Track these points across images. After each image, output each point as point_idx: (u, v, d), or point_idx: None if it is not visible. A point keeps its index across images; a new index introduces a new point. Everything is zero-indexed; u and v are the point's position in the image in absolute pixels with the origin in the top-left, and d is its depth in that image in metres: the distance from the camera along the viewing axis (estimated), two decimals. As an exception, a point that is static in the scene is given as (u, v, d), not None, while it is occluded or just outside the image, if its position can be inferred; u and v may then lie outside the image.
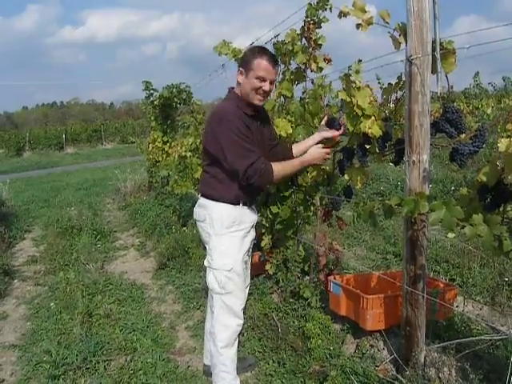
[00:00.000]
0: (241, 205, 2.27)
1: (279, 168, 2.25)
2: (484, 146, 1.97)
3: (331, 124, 2.53)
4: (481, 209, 1.70)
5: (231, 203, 2.25)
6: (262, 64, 2.18)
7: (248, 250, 2.39)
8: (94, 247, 5.57)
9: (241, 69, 2.26)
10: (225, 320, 2.30)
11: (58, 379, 2.65)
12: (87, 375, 2.68)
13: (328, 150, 2.48)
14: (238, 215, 2.27)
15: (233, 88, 2.35)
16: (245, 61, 2.26)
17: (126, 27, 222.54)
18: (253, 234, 2.41)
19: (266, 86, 2.21)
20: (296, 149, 2.54)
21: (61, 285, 4.17)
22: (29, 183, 13.30)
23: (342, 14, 2.17)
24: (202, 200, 2.34)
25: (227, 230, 2.25)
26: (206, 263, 2.36)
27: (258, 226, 3.53)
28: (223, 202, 2.25)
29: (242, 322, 2.38)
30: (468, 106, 11.62)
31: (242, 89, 2.26)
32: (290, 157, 2.50)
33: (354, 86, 2.34)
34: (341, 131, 2.50)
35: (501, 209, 1.71)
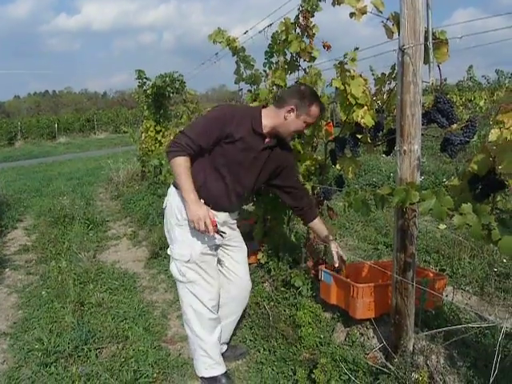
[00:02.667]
0: (201, 201, 2.15)
1: (180, 167, 2.10)
2: (475, 137, 1.98)
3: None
4: (470, 199, 1.72)
5: None
6: (316, 113, 2.24)
7: (213, 246, 2.30)
8: (86, 236, 5.55)
9: (293, 107, 2.20)
10: (195, 306, 2.29)
11: (50, 367, 2.65)
12: (79, 363, 2.69)
13: (209, 226, 2.09)
14: None
15: (264, 107, 2.32)
16: (303, 102, 2.20)
17: (122, 16, 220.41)
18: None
19: (306, 130, 2.31)
20: (320, 225, 2.57)
21: (52, 274, 4.16)
22: (20, 172, 13.21)
23: (336, 2, 2.16)
24: (170, 188, 2.36)
25: (185, 222, 2.20)
26: (168, 251, 2.37)
27: (249, 215, 3.55)
28: None
29: (214, 316, 2.35)
30: (461, 99, 11.66)
31: (286, 124, 2.23)
32: (305, 210, 2.54)
33: (348, 74, 2.34)
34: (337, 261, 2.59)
35: (490, 198, 1.73)
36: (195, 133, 2.14)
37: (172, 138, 2.19)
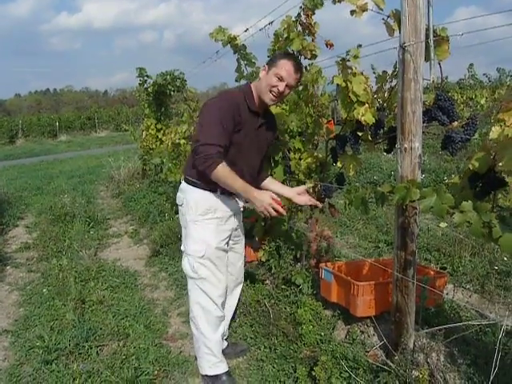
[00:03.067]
0: (218, 193, 2.26)
1: (224, 174, 2.09)
2: (476, 135, 1.98)
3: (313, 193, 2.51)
4: (471, 196, 1.72)
5: (208, 190, 2.25)
6: (286, 65, 2.20)
7: (227, 239, 2.37)
8: (87, 234, 5.56)
9: (265, 65, 2.29)
10: (204, 303, 2.32)
11: (51, 364, 2.65)
12: (80, 360, 2.69)
13: (277, 207, 2.09)
14: (214, 203, 2.26)
15: (251, 82, 2.40)
16: (271, 59, 2.31)
17: (123, 14, 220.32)
18: (233, 222, 2.38)
19: (281, 86, 2.20)
20: (270, 184, 2.54)
21: (54, 271, 4.17)
22: (22, 171, 13.23)
23: (337, 0, 2.16)
24: (182, 184, 2.37)
25: (202, 217, 2.25)
26: (182, 248, 2.39)
27: (251, 213, 3.55)
28: (200, 188, 2.26)
29: (221, 313, 2.39)
30: (462, 97, 11.64)
31: (259, 83, 2.28)
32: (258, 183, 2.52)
33: (350, 71, 2.34)
34: (310, 202, 2.50)
35: (491, 196, 1.72)
36: (215, 137, 2.10)
37: (194, 152, 2.15)
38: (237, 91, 2.33)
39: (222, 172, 2.09)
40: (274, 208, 2.08)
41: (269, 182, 2.56)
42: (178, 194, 2.40)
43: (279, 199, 2.14)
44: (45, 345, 2.81)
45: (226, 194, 2.27)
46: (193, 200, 2.28)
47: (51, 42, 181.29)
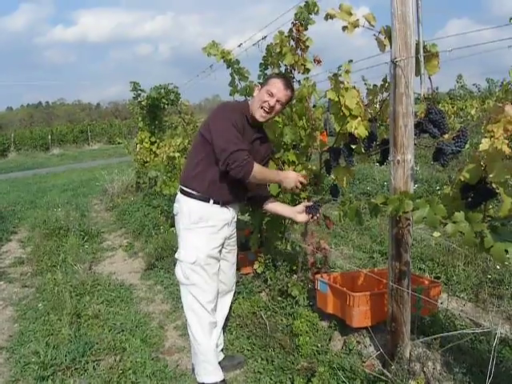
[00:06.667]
0: (211, 203, 2.37)
1: (259, 169, 2.31)
2: (467, 146, 2.02)
3: (310, 208, 2.58)
4: (463, 207, 1.75)
5: (201, 200, 2.36)
6: (276, 83, 2.39)
7: (219, 247, 2.45)
8: (81, 248, 5.54)
9: (259, 85, 2.52)
10: (196, 309, 2.39)
11: (47, 380, 2.64)
12: (76, 375, 2.68)
13: (302, 180, 2.51)
14: (206, 212, 2.37)
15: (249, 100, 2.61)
16: (265, 79, 2.57)
17: (119, 27, 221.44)
18: (226, 231, 2.47)
19: (272, 101, 2.36)
20: (276, 206, 2.69)
21: (48, 286, 4.14)
22: (14, 184, 13.15)
23: (329, 17, 2.21)
24: (178, 195, 2.49)
25: (194, 225, 2.36)
26: (176, 255, 2.46)
27: (246, 225, 3.58)
28: (193, 198, 2.37)
29: (213, 319, 2.45)
30: (453, 107, 11.80)
31: (252, 101, 2.48)
32: (264, 194, 2.70)
33: (342, 86, 2.39)
34: (313, 219, 2.61)
35: (482, 207, 1.76)
36: (235, 142, 2.24)
37: (224, 163, 2.24)
38: (238, 104, 2.54)
39: (257, 171, 2.28)
40: (300, 181, 2.48)
41: (273, 204, 2.69)
42: (175, 204, 2.52)
43: (304, 174, 2.59)
44: (40, 360, 2.79)
45: (219, 204, 2.39)
46: (186, 208, 2.39)
47: (46, 55, 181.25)
